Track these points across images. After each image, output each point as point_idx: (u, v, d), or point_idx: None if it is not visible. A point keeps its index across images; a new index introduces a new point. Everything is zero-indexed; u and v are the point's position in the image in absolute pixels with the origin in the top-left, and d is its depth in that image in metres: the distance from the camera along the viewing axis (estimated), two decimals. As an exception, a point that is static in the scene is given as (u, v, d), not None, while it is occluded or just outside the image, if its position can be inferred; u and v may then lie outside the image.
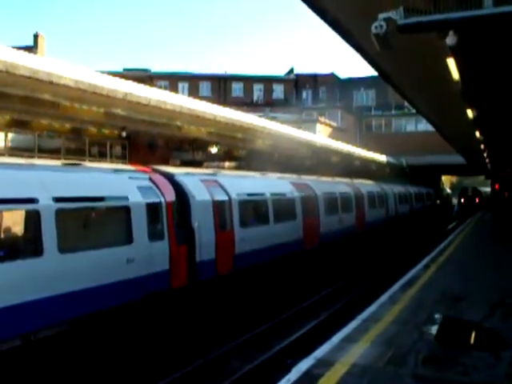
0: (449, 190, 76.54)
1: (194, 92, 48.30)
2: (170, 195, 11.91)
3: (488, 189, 62.06)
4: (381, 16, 6.49)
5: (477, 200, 60.86)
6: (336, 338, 7.57)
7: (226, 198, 14.00)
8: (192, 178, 13.32)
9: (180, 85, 51.74)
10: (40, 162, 10.89)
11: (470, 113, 14.72)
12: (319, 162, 28.86)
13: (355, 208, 24.50)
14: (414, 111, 31.33)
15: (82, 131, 16.97)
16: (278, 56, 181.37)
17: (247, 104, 47.78)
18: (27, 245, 8.69)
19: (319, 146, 27.55)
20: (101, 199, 10.07)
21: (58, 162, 11.09)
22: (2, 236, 8.34)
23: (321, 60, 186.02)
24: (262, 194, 16.16)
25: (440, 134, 27.44)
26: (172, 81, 51.57)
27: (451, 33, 6.56)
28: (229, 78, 54.46)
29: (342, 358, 6.64)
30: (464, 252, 18.10)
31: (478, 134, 19.62)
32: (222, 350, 10.23)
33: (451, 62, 9.80)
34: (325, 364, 6.46)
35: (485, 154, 28.70)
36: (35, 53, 29.69)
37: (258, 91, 54.51)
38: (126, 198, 10.59)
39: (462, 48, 7.47)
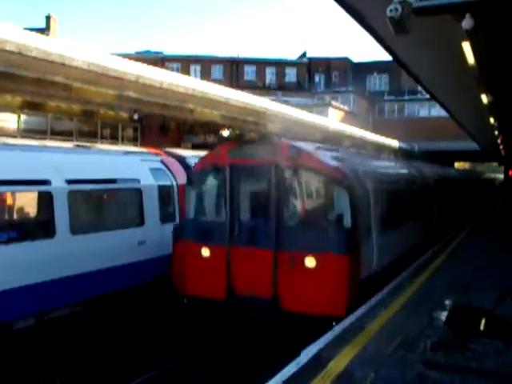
0: None
1: (206, 75, 48.09)
2: (182, 178, 11.93)
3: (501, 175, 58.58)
4: (396, -2, 6.37)
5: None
6: (347, 321, 7.59)
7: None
8: (203, 162, 13.28)
9: (192, 68, 51.56)
10: (52, 144, 10.94)
11: (484, 98, 14.51)
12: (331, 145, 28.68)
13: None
14: (427, 96, 30.94)
15: (94, 114, 16.99)
16: (291, 39, 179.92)
17: (259, 87, 47.52)
18: (39, 226, 8.77)
19: (331, 131, 27.40)
20: (113, 181, 10.12)
21: (70, 144, 11.12)
22: (15, 217, 8.43)
23: (334, 44, 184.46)
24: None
25: (454, 119, 27.09)
26: (184, 64, 51.38)
27: (468, 16, 6.44)
28: (241, 61, 54.13)
29: (351, 342, 6.65)
30: (473, 238, 18.02)
31: (492, 120, 19.38)
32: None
33: (467, 46, 9.64)
34: (334, 347, 6.48)
35: (499, 141, 28.37)
36: (47, 35, 29.69)
37: (270, 75, 54.18)
38: (138, 181, 10.63)
39: (479, 31, 7.34)
